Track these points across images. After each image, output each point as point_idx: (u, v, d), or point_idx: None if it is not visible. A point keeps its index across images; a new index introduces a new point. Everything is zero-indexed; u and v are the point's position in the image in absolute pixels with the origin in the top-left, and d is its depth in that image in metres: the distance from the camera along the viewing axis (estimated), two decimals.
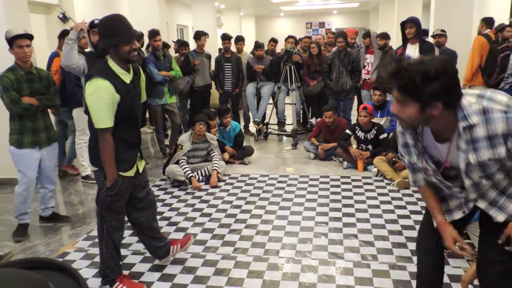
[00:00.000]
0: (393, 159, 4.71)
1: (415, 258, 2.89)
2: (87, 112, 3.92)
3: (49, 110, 3.69)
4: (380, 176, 4.81)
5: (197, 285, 2.74)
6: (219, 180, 4.82)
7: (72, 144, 5.14)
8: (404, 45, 4.97)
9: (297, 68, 6.58)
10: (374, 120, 5.25)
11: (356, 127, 5.23)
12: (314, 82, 6.71)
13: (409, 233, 3.36)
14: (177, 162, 4.78)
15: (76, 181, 5.06)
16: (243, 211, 3.93)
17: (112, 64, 2.39)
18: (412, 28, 4.83)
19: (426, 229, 1.90)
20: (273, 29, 19.61)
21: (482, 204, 1.65)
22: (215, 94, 7.16)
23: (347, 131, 5.28)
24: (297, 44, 7.58)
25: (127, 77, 2.44)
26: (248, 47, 7.46)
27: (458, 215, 1.72)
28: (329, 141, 5.57)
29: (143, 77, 2.67)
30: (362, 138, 5.18)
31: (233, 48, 7.03)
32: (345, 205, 3.99)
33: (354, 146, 5.27)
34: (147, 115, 6.61)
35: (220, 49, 8.22)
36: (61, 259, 3.11)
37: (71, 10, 7.25)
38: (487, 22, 5.52)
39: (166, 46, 6.37)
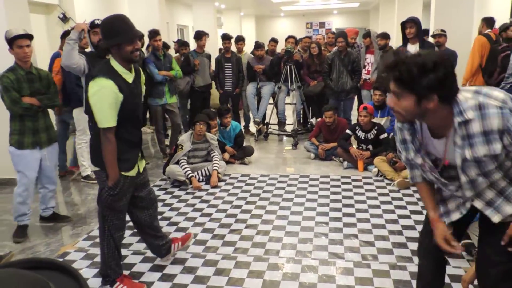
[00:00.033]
0: (394, 159, 4.71)
1: (415, 258, 2.90)
2: (87, 112, 3.93)
3: (49, 110, 3.69)
4: (381, 176, 4.81)
5: (198, 285, 2.74)
6: (220, 180, 4.82)
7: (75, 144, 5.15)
8: (404, 45, 4.97)
9: (297, 68, 6.58)
10: (375, 120, 5.25)
11: (357, 127, 5.23)
12: (314, 82, 6.70)
13: (409, 233, 3.36)
14: (177, 162, 4.78)
15: (77, 181, 5.06)
16: (244, 211, 3.93)
17: (115, 63, 2.40)
18: (413, 28, 4.83)
19: (427, 230, 1.90)
20: (273, 29, 19.61)
21: (478, 204, 1.64)
22: (215, 94, 7.16)
23: (348, 131, 5.28)
24: (297, 44, 7.58)
25: (129, 77, 2.45)
26: (248, 47, 7.46)
27: (455, 216, 1.72)
28: (330, 141, 5.57)
29: (143, 77, 2.69)
30: (363, 138, 5.18)
31: (233, 48, 7.03)
32: (345, 205, 3.99)
33: (355, 146, 5.27)
34: (147, 115, 6.61)
35: (220, 49, 8.22)
36: (61, 259, 3.11)
37: (71, 10, 7.25)
38: (488, 22, 5.51)
39: (166, 46, 6.37)
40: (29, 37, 3.35)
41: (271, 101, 7.11)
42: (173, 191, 4.58)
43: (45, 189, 3.70)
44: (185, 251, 3.18)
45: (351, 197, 4.20)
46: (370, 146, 5.15)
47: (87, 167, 4.90)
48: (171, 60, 5.75)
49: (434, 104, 1.45)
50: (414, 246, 3.08)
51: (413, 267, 2.82)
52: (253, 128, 7.18)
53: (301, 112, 7.23)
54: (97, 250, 3.19)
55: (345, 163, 5.22)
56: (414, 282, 2.64)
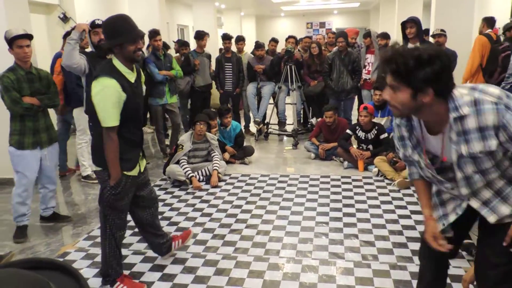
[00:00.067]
0: (394, 159, 4.71)
1: (416, 258, 2.90)
2: (88, 112, 3.94)
3: (49, 110, 3.68)
4: (381, 176, 4.80)
5: (198, 285, 2.74)
6: (220, 180, 4.82)
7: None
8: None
9: (298, 67, 6.58)
10: (375, 120, 5.25)
11: (357, 127, 5.23)
12: (314, 82, 6.70)
13: (409, 233, 3.36)
14: (177, 162, 4.78)
15: (77, 181, 5.07)
16: (244, 211, 3.93)
17: (117, 63, 2.42)
18: (413, 28, 4.83)
19: None
20: (273, 29, 19.61)
21: (475, 204, 1.64)
22: (215, 94, 7.16)
23: (348, 131, 5.28)
24: (297, 44, 7.58)
25: (131, 77, 2.47)
26: (248, 47, 7.46)
27: (452, 217, 1.72)
28: (330, 141, 5.57)
29: (143, 76, 2.70)
30: (363, 138, 5.18)
31: (233, 48, 7.03)
32: (345, 205, 3.99)
33: (355, 146, 5.27)
34: (148, 115, 6.62)
35: (220, 49, 8.22)
36: (61, 259, 3.12)
37: (71, 10, 7.26)
38: (488, 21, 5.51)
39: (166, 47, 6.37)
40: (29, 37, 3.35)
41: (271, 101, 7.11)
42: (173, 191, 4.58)
43: (45, 189, 3.69)
44: (185, 251, 3.18)
45: (351, 197, 4.20)
46: (370, 146, 5.14)
47: (87, 167, 4.91)
48: (171, 60, 5.75)
49: (430, 98, 1.45)
50: (414, 246, 3.08)
51: (414, 267, 2.82)
52: (253, 128, 7.18)
53: (301, 112, 7.23)
54: (97, 250, 3.20)
55: (346, 163, 5.21)
56: (414, 282, 2.64)
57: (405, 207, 3.90)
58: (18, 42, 3.28)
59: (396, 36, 9.63)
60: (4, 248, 3.35)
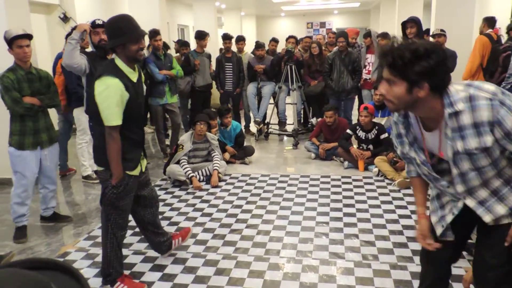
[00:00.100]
0: (394, 159, 4.71)
1: (416, 258, 2.90)
2: (88, 112, 3.94)
3: (50, 110, 3.68)
4: (381, 176, 4.80)
5: (198, 285, 2.74)
6: (220, 180, 4.82)
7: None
8: None
9: (298, 67, 6.58)
10: (375, 120, 5.25)
11: (357, 127, 5.23)
12: (315, 82, 6.70)
13: (410, 233, 3.36)
14: (178, 162, 4.79)
15: (77, 181, 5.07)
16: (244, 211, 3.93)
17: (120, 63, 2.43)
18: (413, 28, 4.83)
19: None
20: (273, 29, 19.61)
21: (470, 203, 1.63)
22: (215, 94, 7.16)
23: (348, 131, 5.28)
24: (298, 44, 7.57)
25: (134, 76, 2.49)
26: (249, 47, 7.46)
27: (449, 217, 1.71)
28: (330, 141, 5.57)
29: (142, 76, 2.71)
30: (363, 138, 5.18)
31: (234, 48, 7.03)
32: (346, 205, 3.99)
33: (355, 146, 5.27)
34: (148, 115, 6.62)
35: (221, 49, 8.22)
36: (62, 259, 3.12)
37: (72, 10, 7.26)
38: (489, 21, 5.51)
39: (166, 47, 6.38)
40: (29, 37, 3.34)
41: (271, 101, 7.11)
42: (173, 191, 4.58)
43: (45, 189, 3.69)
44: (186, 251, 3.18)
45: (351, 197, 4.20)
46: (370, 146, 5.14)
47: (87, 167, 4.91)
48: (171, 60, 5.75)
49: (425, 93, 1.46)
50: (415, 246, 3.08)
51: (414, 267, 2.82)
52: (253, 128, 7.18)
53: (302, 112, 7.23)
54: (97, 250, 3.20)
55: (346, 163, 5.21)
56: (415, 282, 2.64)
57: (405, 207, 3.89)
58: (18, 42, 3.27)
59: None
60: (4, 248, 3.35)
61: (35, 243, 3.44)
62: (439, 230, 1.74)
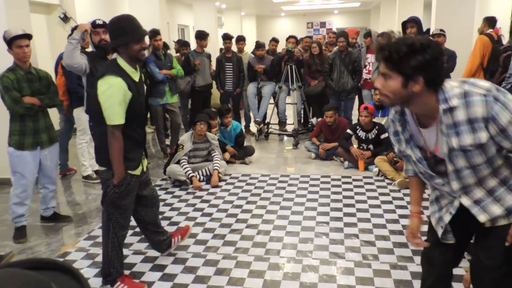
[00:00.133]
0: (394, 158, 4.71)
1: (416, 258, 2.90)
2: (88, 112, 3.94)
3: (50, 109, 3.68)
4: (381, 176, 4.80)
5: (198, 285, 2.74)
6: (220, 180, 4.82)
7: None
8: None
9: (298, 66, 6.58)
10: (375, 120, 5.25)
11: (357, 127, 5.23)
12: (315, 82, 6.70)
13: None
14: (178, 162, 4.79)
15: (77, 180, 5.07)
16: (244, 211, 3.93)
17: (122, 62, 2.44)
18: (413, 28, 4.83)
19: (432, 241, 1.87)
20: (274, 29, 19.60)
21: (466, 201, 1.63)
22: (216, 93, 7.16)
23: (348, 130, 5.28)
24: (298, 44, 7.57)
25: (136, 76, 2.51)
26: (249, 47, 7.46)
27: (447, 217, 1.71)
28: (330, 141, 5.57)
29: (142, 76, 2.71)
30: (363, 138, 5.18)
31: (234, 48, 7.03)
32: (346, 205, 3.99)
33: (355, 146, 5.27)
34: (148, 115, 6.62)
35: (221, 49, 8.22)
36: (62, 259, 3.12)
37: (72, 10, 7.25)
38: (490, 21, 5.50)
39: (165, 47, 6.38)
40: (28, 37, 3.34)
41: (271, 101, 7.11)
42: (173, 191, 4.59)
43: (45, 189, 3.69)
44: (186, 251, 3.19)
45: (351, 197, 4.20)
46: (371, 146, 5.14)
47: (87, 167, 4.91)
48: (171, 60, 5.75)
49: (420, 87, 1.47)
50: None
51: (414, 267, 2.82)
52: (253, 128, 7.18)
53: (302, 112, 7.23)
54: (97, 250, 3.20)
55: (346, 163, 5.21)
56: (415, 282, 2.64)
57: (405, 207, 3.89)
58: (18, 42, 3.27)
59: None
60: (4, 248, 3.35)
61: (35, 243, 3.44)
62: (439, 232, 1.74)
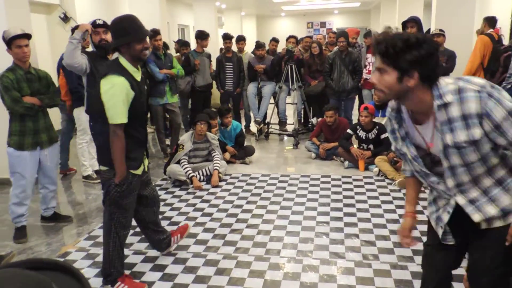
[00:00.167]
0: (395, 158, 4.71)
1: (416, 258, 2.90)
2: (88, 111, 3.94)
3: (53, 109, 3.68)
4: (382, 175, 4.80)
5: (198, 285, 2.74)
6: (220, 179, 4.82)
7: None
8: None
9: (298, 66, 6.58)
10: (376, 119, 5.25)
11: (358, 127, 5.23)
12: (315, 82, 6.70)
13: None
14: (178, 162, 4.79)
15: (78, 180, 5.07)
16: (244, 211, 3.93)
17: (124, 62, 2.46)
18: (413, 28, 4.83)
19: (432, 243, 1.87)
20: (274, 28, 19.60)
21: (461, 200, 1.63)
22: (216, 93, 7.16)
23: (348, 130, 5.28)
24: (298, 44, 7.57)
25: (137, 75, 2.52)
26: (249, 47, 7.46)
27: (445, 216, 1.71)
28: (330, 141, 5.57)
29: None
30: (364, 137, 5.18)
31: (234, 47, 7.03)
32: (346, 205, 3.99)
33: (355, 145, 5.27)
34: (148, 115, 6.62)
35: (221, 49, 8.23)
36: (62, 259, 3.12)
37: (72, 10, 7.26)
38: (490, 21, 5.50)
39: (165, 46, 6.38)
40: (28, 36, 3.33)
41: (272, 100, 7.11)
42: (174, 190, 4.59)
43: (45, 189, 3.68)
44: (186, 250, 3.19)
45: (352, 197, 4.20)
46: (371, 146, 5.14)
47: (88, 166, 4.91)
48: (171, 59, 5.75)
49: (415, 82, 1.48)
50: (415, 245, 3.07)
51: (415, 267, 2.82)
52: (254, 127, 7.18)
53: (302, 111, 7.23)
54: (98, 250, 3.20)
55: (346, 162, 5.21)
56: (415, 282, 2.64)
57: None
58: (17, 42, 3.26)
59: None
60: (5, 248, 3.35)
61: (35, 243, 3.44)
62: (440, 232, 1.74)
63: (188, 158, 4.83)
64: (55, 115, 5.06)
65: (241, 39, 7.15)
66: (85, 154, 4.84)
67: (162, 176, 5.01)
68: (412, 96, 1.53)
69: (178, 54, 7.52)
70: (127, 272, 2.81)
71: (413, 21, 4.86)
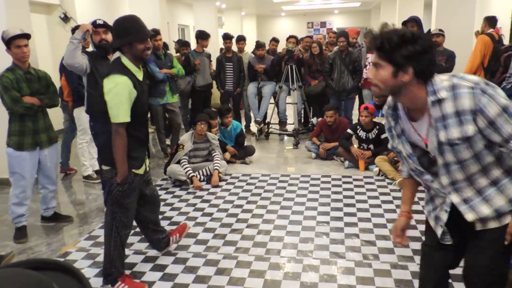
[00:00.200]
0: (395, 158, 4.71)
1: (416, 258, 2.90)
2: (88, 111, 3.93)
3: (55, 109, 3.68)
4: (382, 175, 4.80)
5: (199, 285, 2.74)
6: (221, 179, 4.82)
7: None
8: None
9: (299, 65, 6.57)
10: (376, 119, 5.25)
11: (358, 127, 5.23)
12: (315, 82, 6.70)
13: (410, 232, 3.34)
14: (178, 162, 4.79)
15: (78, 181, 5.07)
16: (245, 211, 3.93)
17: (126, 61, 2.48)
18: (414, 28, 4.82)
19: (430, 243, 1.87)
20: (274, 28, 19.60)
21: (455, 199, 1.63)
22: (216, 93, 7.16)
23: (349, 130, 5.28)
24: (298, 43, 7.57)
25: (139, 75, 2.55)
26: (249, 47, 7.47)
27: (444, 215, 1.71)
28: (331, 141, 5.57)
29: None
30: (364, 137, 5.18)
31: (234, 47, 7.04)
32: (346, 205, 3.99)
33: (356, 145, 5.27)
34: (148, 115, 6.62)
35: (221, 49, 8.23)
36: (62, 259, 3.12)
37: (72, 10, 7.26)
38: (490, 21, 5.50)
39: (165, 46, 6.38)
40: (27, 36, 3.32)
41: (272, 100, 7.11)
42: (174, 190, 4.59)
43: (45, 190, 3.68)
44: (186, 250, 3.19)
45: (352, 197, 4.20)
46: (371, 146, 5.14)
47: (88, 166, 4.91)
48: (171, 59, 5.75)
49: (409, 77, 1.50)
50: (415, 245, 3.08)
51: (415, 267, 2.82)
52: (254, 127, 7.18)
53: (302, 111, 7.23)
54: (98, 250, 3.20)
55: (346, 162, 5.21)
56: (415, 282, 2.64)
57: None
58: (16, 42, 3.26)
59: None
60: (5, 248, 3.35)
61: (35, 243, 3.44)
62: (439, 231, 1.73)
63: (188, 158, 4.83)
64: (57, 115, 5.08)
65: (241, 39, 7.15)
66: (85, 154, 4.85)
67: (162, 176, 5.01)
68: (407, 91, 1.54)
69: (178, 54, 7.52)
70: (127, 272, 2.81)
71: (414, 21, 4.86)
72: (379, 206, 3.94)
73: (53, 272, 0.64)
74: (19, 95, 3.30)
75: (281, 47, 7.88)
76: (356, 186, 4.53)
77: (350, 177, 4.83)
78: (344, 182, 4.65)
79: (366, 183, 4.61)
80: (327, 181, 4.70)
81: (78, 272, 0.65)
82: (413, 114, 1.63)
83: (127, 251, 3.14)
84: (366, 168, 5.04)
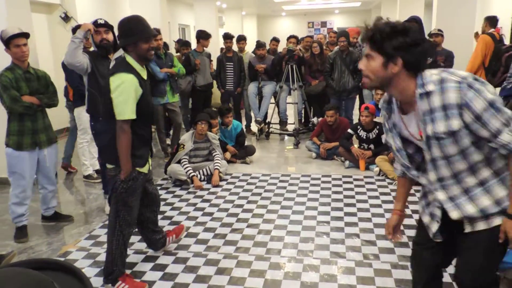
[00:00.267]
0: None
1: None
2: (89, 111, 3.93)
3: (53, 109, 3.68)
4: (382, 175, 4.80)
5: (199, 285, 2.74)
6: (221, 179, 4.82)
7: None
8: None
9: (299, 65, 6.57)
10: (376, 119, 5.24)
11: (358, 127, 5.22)
12: (316, 82, 6.70)
13: (411, 232, 3.35)
14: (179, 162, 4.79)
15: (78, 180, 5.07)
16: (245, 210, 3.93)
17: (131, 60, 2.51)
18: None
19: (420, 241, 1.88)
20: (274, 28, 19.60)
21: (441, 196, 1.64)
22: (216, 93, 7.16)
23: (349, 130, 5.28)
24: (299, 43, 7.57)
25: (144, 74, 2.58)
26: (250, 47, 7.46)
27: (437, 211, 1.71)
28: (331, 141, 5.57)
29: None
30: (364, 137, 5.18)
31: (234, 47, 7.04)
32: (347, 204, 3.99)
33: (356, 145, 5.27)
34: None
35: (222, 49, 8.23)
36: (63, 258, 3.12)
37: (73, 9, 7.26)
38: (491, 21, 5.50)
39: (165, 46, 6.38)
40: (26, 35, 3.32)
41: (272, 100, 7.11)
42: (174, 190, 4.59)
43: (45, 190, 3.68)
44: (187, 250, 3.19)
45: (352, 196, 4.19)
46: (371, 146, 5.14)
47: (88, 166, 4.92)
48: (172, 59, 5.75)
49: (399, 68, 1.52)
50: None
51: None
52: (254, 127, 7.18)
53: (303, 111, 7.23)
54: (98, 250, 3.21)
55: (347, 162, 5.21)
56: None
57: (406, 207, 3.88)
58: (15, 41, 3.25)
59: None
60: (6, 247, 3.36)
61: (36, 243, 3.44)
62: (435, 227, 1.72)
63: (188, 158, 4.84)
64: (58, 115, 5.09)
65: (241, 39, 7.15)
66: (86, 153, 4.85)
67: (162, 175, 5.01)
68: (396, 83, 1.57)
69: (178, 54, 7.52)
70: (127, 271, 2.81)
71: (414, 21, 4.83)
72: (379, 206, 3.94)
73: (54, 272, 0.64)
74: (18, 94, 3.29)
75: (281, 47, 7.88)
76: (356, 186, 4.53)
77: (350, 177, 4.83)
78: (344, 182, 4.65)
79: (367, 183, 4.61)
80: (327, 181, 4.70)
81: (79, 272, 0.65)
82: (404, 107, 1.65)
83: (127, 251, 3.14)
84: (367, 168, 5.04)
